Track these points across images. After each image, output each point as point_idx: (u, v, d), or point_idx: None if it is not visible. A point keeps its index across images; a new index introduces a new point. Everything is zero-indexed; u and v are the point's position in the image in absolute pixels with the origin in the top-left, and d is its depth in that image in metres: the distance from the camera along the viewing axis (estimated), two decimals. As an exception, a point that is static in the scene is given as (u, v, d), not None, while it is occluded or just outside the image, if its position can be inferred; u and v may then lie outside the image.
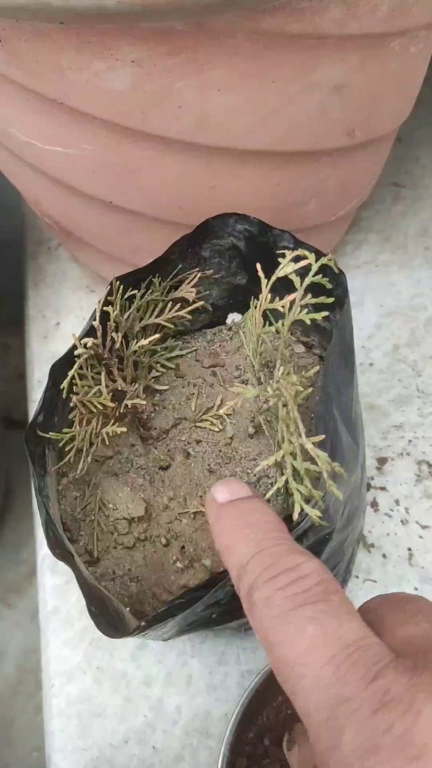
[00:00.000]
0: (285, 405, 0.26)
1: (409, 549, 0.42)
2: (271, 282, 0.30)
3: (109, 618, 0.27)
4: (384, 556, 0.42)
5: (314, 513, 0.23)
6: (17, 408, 0.94)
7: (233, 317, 0.39)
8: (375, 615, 0.21)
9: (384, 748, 0.16)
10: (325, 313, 0.28)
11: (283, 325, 0.29)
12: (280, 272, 0.29)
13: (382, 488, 0.44)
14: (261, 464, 0.24)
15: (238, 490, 0.24)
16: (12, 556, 0.84)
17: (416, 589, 0.41)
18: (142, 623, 0.25)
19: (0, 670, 0.76)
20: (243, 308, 0.39)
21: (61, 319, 0.56)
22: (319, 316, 0.28)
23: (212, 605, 0.30)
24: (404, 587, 0.41)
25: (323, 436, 0.24)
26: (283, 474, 0.25)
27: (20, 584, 0.82)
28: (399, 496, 0.44)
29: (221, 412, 0.35)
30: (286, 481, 0.25)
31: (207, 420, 0.36)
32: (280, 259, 0.29)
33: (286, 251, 0.30)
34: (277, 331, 0.29)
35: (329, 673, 0.17)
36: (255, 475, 0.34)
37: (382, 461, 0.46)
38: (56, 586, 0.42)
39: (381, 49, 0.35)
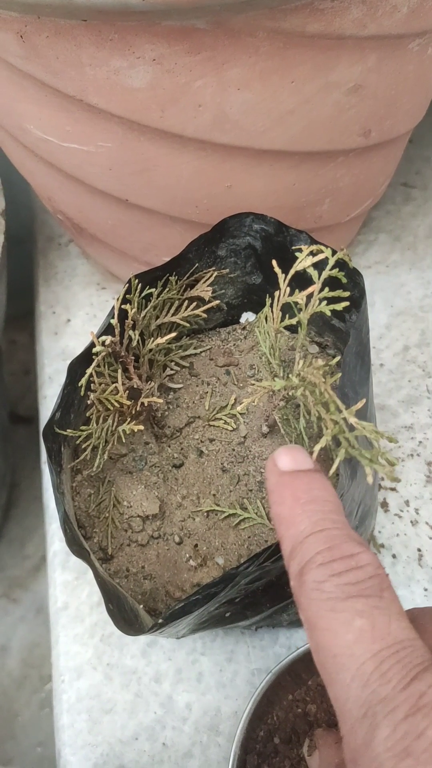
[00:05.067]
0: (312, 392, 0.26)
1: (419, 549, 0.42)
2: (290, 275, 0.30)
3: (125, 615, 0.28)
4: (394, 556, 0.42)
5: (387, 470, 0.22)
6: (23, 403, 0.95)
7: (247, 316, 0.39)
8: (418, 621, 0.21)
9: (414, 753, 0.16)
10: (345, 303, 0.28)
11: (301, 320, 0.29)
12: (298, 265, 0.29)
13: (392, 489, 0.44)
14: (316, 448, 0.23)
15: (303, 461, 0.23)
16: (17, 551, 0.84)
17: (425, 589, 0.41)
18: (160, 620, 0.25)
19: (4, 664, 0.76)
20: (257, 308, 0.39)
21: (71, 316, 0.56)
22: (340, 306, 0.28)
23: (226, 603, 0.30)
24: (413, 588, 0.41)
25: (364, 400, 0.24)
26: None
27: (25, 579, 0.82)
28: (409, 497, 0.44)
29: (238, 410, 0.35)
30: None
31: (220, 419, 0.36)
32: (297, 254, 0.29)
33: (302, 246, 0.30)
34: (298, 323, 0.29)
35: (371, 668, 0.17)
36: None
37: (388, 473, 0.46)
38: (66, 582, 0.42)
39: (399, 50, 0.35)
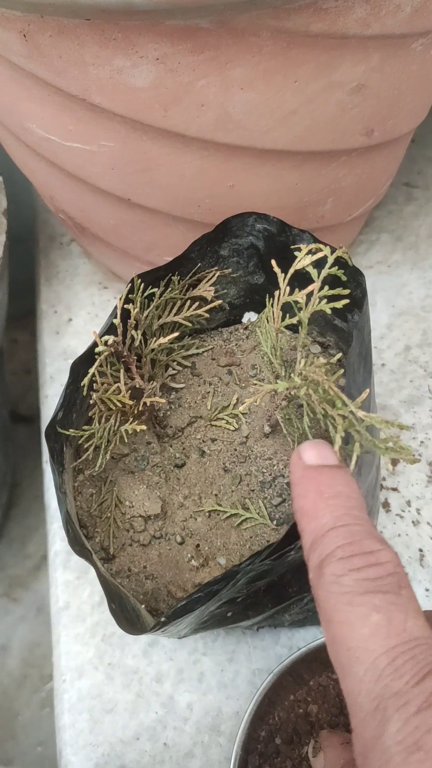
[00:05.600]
0: (315, 390, 0.26)
1: (420, 550, 0.42)
2: (289, 274, 0.30)
3: (127, 615, 0.28)
4: (395, 556, 0.42)
5: (404, 454, 0.22)
6: (24, 402, 0.95)
7: (249, 316, 0.39)
8: None
9: (425, 747, 0.16)
10: (346, 301, 0.28)
11: (302, 319, 0.29)
12: (297, 264, 0.29)
13: (394, 489, 0.44)
14: (336, 446, 0.23)
15: (328, 456, 0.23)
16: (17, 551, 0.84)
17: (427, 590, 0.41)
18: (163, 618, 0.25)
19: (4, 664, 0.76)
20: (259, 307, 0.39)
21: (72, 315, 0.56)
22: (339, 304, 0.28)
23: (228, 603, 0.30)
24: (415, 588, 0.41)
25: (368, 390, 0.24)
26: None
27: (25, 578, 0.82)
28: (410, 497, 0.44)
29: (240, 410, 0.35)
30: None
31: (222, 419, 0.36)
32: (296, 253, 0.29)
33: (301, 245, 0.30)
34: (299, 322, 0.29)
35: (385, 663, 0.17)
36: (270, 475, 0.34)
37: (393, 462, 0.46)
38: (68, 582, 0.42)
39: (402, 50, 0.35)
